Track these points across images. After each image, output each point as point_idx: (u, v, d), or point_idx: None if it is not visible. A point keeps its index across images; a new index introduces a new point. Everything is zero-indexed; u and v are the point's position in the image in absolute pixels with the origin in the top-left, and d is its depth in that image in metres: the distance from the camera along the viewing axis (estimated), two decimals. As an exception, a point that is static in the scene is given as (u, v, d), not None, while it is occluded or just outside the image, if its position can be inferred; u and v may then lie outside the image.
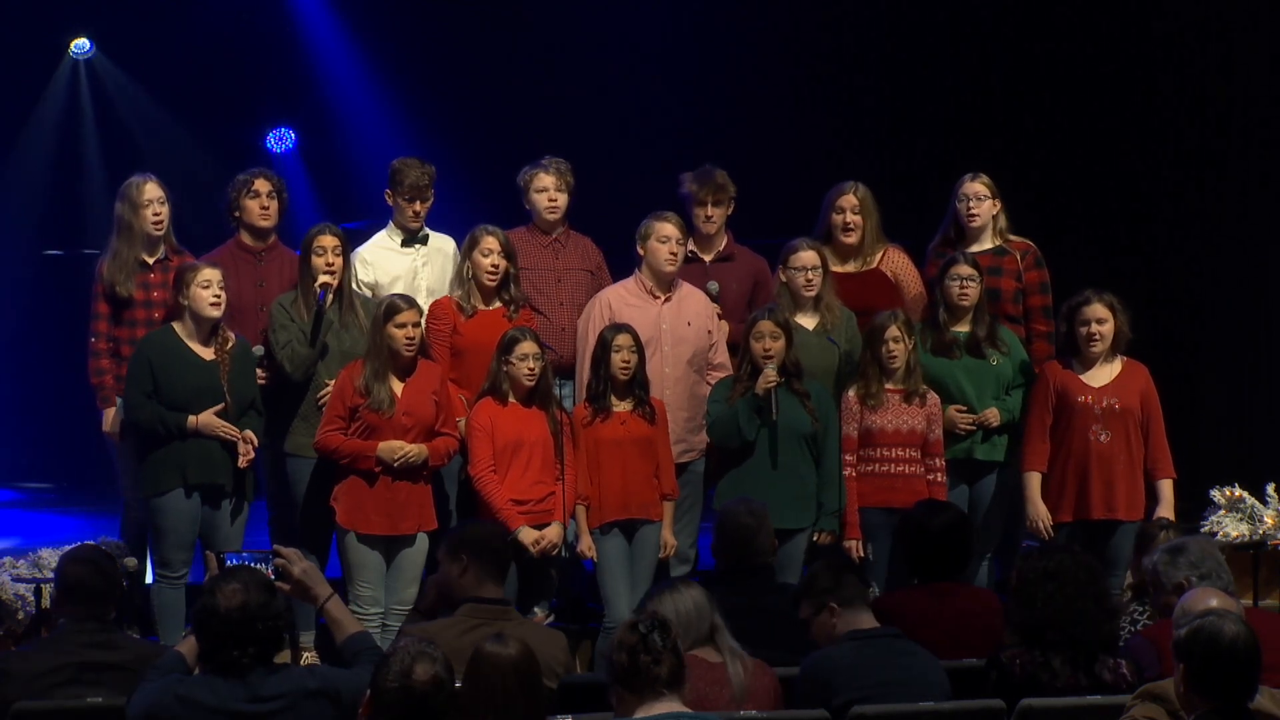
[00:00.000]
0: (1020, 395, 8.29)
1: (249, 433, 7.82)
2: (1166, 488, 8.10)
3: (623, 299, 8.19)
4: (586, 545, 7.89)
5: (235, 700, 5.01)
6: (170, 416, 7.73)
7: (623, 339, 7.85)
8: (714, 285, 8.41)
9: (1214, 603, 5.18)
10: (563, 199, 8.50)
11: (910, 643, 5.89)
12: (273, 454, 8.14)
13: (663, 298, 8.23)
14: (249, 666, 5.03)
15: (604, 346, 7.87)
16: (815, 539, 7.97)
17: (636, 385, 7.90)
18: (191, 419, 7.73)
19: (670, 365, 8.16)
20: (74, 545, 6.75)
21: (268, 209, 8.38)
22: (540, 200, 8.50)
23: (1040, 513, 8.06)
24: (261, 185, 8.38)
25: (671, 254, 8.18)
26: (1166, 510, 8.00)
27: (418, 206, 8.45)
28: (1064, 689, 5.62)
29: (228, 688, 5.02)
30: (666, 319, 8.20)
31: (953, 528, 6.64)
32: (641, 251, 8.25)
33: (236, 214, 8.41)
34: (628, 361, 7.83)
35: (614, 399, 7.90)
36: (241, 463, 7.81)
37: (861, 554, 7.95)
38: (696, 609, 5.74)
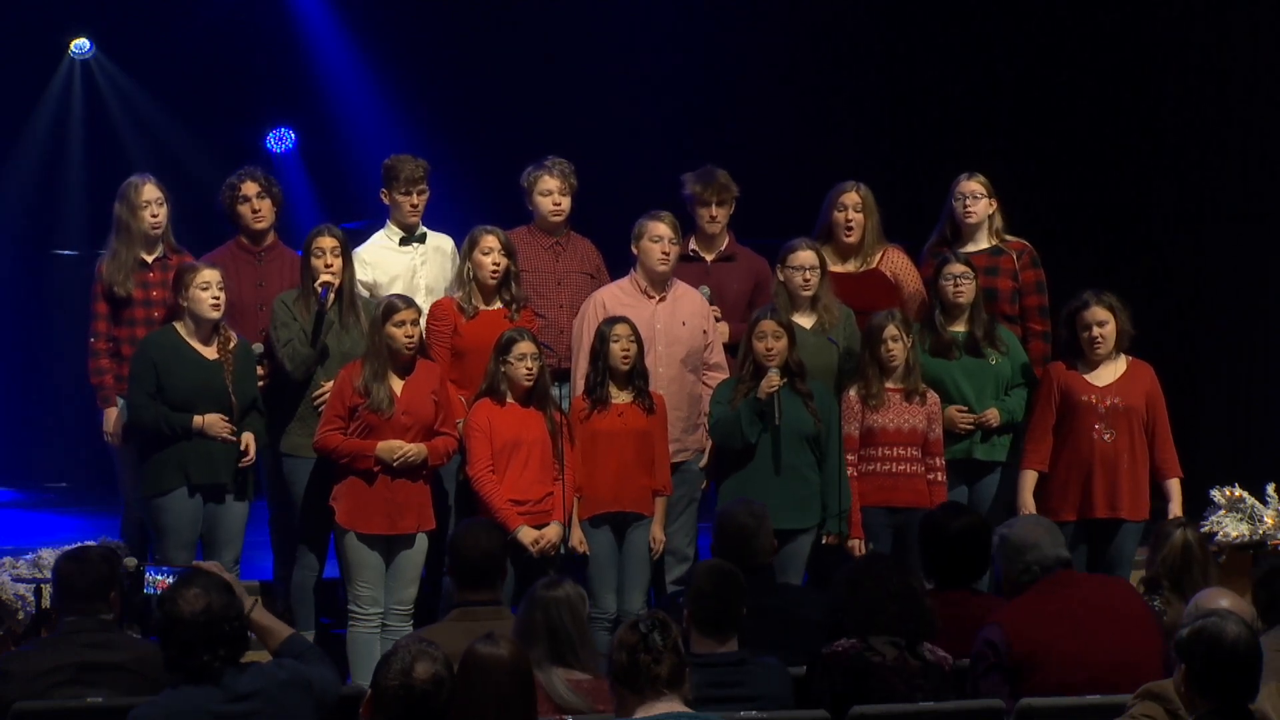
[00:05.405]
0: (1021, 395, 8.28)
1: (248, 435, 7.82)
2: (1175, 487, 8.11)
3: (617, 299, 8.18)
4: (577, 539, 7.89)
5: (216, 704, 4.94)
6: (175, 417, 7.72)
7: (621, 329, 7.85)
8: (705, 289, 8.39)
9: (1224, 603, 5.20)
10: (567, 202, 8.49)
11: (755, 666, 5.75)
12: (272, 454, 8.14)
13: (657, 297, 8.22)
14: (221, 669, 4.96)
15: (602, 338, 7.87)
16: (825, 540, 7.96)
17: (636, 376, 7.90)
18: (197, 419, 7.73)
19: (665, 365, 8.16)
20: (74, 545, 6.74)
21: (259, 211, 8.37)
22: (545, 203, 8.49)
23: (1027, 506, 8.03)
24: (249, 188, 8.36)
25: (664, 254, 8.17)
26: (1176, 509, 8.01)
27: (415, 199, 8.43)
28: (893, 667, 5.69)
29: (204, 694, 4.95)
30: (661, 319, 8.19)
31: (971, 533, 6.51)
32: (635, 251, 8.24)
33: (233, 219, 8.41)
34: (627, 350, 7.83)
35: (613, 389, 7.90)
36: (242, 464, 7.83)
37: (864, 554, 7.95)
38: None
